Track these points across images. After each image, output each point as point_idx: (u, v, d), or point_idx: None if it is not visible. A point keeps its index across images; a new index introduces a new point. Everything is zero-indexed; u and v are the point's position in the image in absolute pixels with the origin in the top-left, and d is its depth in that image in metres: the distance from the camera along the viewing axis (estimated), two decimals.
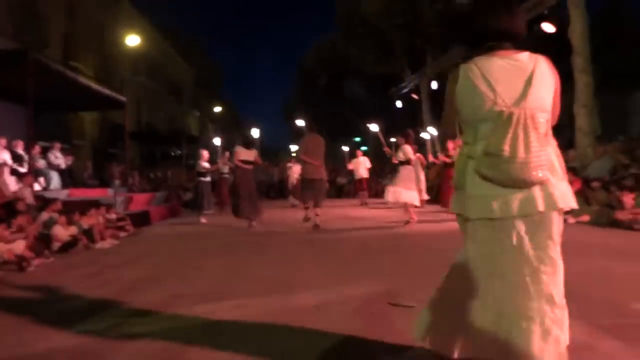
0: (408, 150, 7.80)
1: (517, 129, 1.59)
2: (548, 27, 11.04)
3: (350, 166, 13.86)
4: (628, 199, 6.69)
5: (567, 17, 10.14)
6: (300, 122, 9.60)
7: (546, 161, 1.63)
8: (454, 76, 1.80)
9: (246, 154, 8.03)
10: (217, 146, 9.77)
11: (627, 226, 6.33)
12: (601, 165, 8.78)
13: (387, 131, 10.42)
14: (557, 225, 1.73)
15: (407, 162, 7.78)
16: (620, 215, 6.54)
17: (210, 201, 10.16)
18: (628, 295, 3.11)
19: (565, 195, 1.70)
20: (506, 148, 1.59)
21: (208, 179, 10.05)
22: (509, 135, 1.59)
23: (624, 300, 3.02)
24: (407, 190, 7.57)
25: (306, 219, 7.82)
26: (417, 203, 7.88)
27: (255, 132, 9.40)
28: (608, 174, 8.28)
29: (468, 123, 1.80)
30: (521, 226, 1.70)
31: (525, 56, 1.75)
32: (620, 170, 8.09)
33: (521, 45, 1.81)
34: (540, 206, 1.66)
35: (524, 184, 1.63)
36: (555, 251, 1.74)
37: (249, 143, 8.17)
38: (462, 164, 1.83)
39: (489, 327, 1.74)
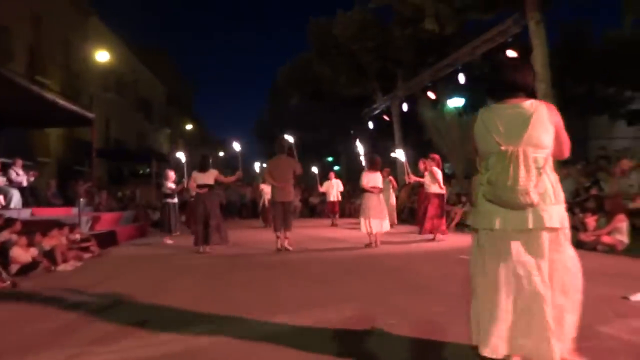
0: (377, 177, 7.78)
1: (510, 163, 2.04)
2: (512, 54, 11.49)
3: (322, 189, 13.83)
4: (590, 220, 6.93)
5: (530, 45, 10.60)
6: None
7: (535, 189, 2.04)
8: (473, 118, 2.32)
9: (202, 178, 7.74)
10: (182, 163, 9.27)
11: (590, 247, 6.54)
12: (564, 188, 9.05)
13: (358, 152, 10.47)
14: (547, 239, 2.12)
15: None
16: (584, 236, 6.75)
17: (176, 222, 9.93)
18: (593, 318, 3.17)
19: (552, 216, 2.10)
20: (500, 178, 2.06)
21: (175, 200, 9.84)
22: (503, 168, 2.05)
23: (589, 322, 3.07)
24: (379, 220, 7.59)
25: (278, 250, 7.46)
26: (387, 229, 7.91)
27: (236, 147, 8.94)
28: (571, 196, 8.58)
29: (481, 156, 2.28)
30: (517, 238, 2.12)
31: (528, 104, 2.18)
32: (582, 193, 8.40)
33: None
34: (530, 224, 2.09)
35: (515, 206, 2.07)
36: (544, 260, 2.11)
37: (204, 165, 7.84)
38: (477, 188, 2.27)
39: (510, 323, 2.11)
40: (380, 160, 8.09)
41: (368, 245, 7.65)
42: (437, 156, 8.78)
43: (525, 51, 11.31)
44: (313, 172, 14.48)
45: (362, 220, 7.70)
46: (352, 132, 23.17)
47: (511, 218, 2.11)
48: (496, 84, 2.32)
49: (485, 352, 2.10)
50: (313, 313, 3.48)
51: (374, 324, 3.09)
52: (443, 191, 8.55)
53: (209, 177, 7.77)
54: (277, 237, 7.60)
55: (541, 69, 10.15)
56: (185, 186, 9.40)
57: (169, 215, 9.67)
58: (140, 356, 2.68)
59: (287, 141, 8.02)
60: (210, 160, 8.05)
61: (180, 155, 9.45)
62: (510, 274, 2.10)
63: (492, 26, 11.94)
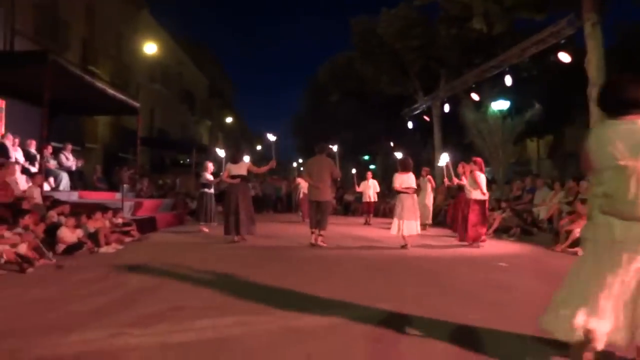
0: (410, 178, 7.71)
1: (630, 178, 2.09)
2: (564, 57, 11.01)
3: (359, 189, 13.80)
4: None
5: (584, 47, 10.12)
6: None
7: None
8: (588, 134, 2.34)
9: (235, 169, 7.98)
10: (221, 158, 9.71)
11: None
12: None
13: (400, 150, 10.36)
14: None
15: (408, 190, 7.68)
16: None
17: (212, 213, 10.04)
18: None
19: None
20: (619, 192, 2.13)
21: (212, 190, 10.00)
22: (622, 182, 2.11)
23: None
24: (413, 222, 7.55)
25: (312, 245, 7.55)
26: (419, 232, 7.80)
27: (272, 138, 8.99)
28: None
29: (596, 170, 2.30)
30: (637, 249, 2.14)
31: None
32: None
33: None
34: None
35: (636, 219, 2.11)
36: None
37: (237, 157, 8.28)
38: (591, 201, 2.34)
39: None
40: (412, 162, 8.02)
41: (404, 247, 7.49)
42: (480, 159, 8.32)
43: (578, 54, 10.82)
44: (350, 172, 14.47)
45: (395, 220, 7.64)
46: (390, 132, 22.95)
47: (631, 229, 2.15)
48: (614, 100, 2.32)
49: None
50: (346, 310, 3.45)
51: (409, 327, 3.03)
52: (485, 197, 8.02)
53: (242, 168, 8.01)
54: (312, 232, 7.71)
55: (596, 73, 9.68)
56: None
57: (206, 205, 9.85)
58: (175, 341, 2.73)
59: (328, 146, 8.21)
60: (244, 152, 8.32)
61: (220, 151, 9.82)
62: (627, 283, 2.16)
63: (543, 27, 11.46)
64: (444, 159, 8.80)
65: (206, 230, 9.54)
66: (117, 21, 19.10)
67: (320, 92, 27.75)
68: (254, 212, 8.18)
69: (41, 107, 7.70)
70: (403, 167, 7.87)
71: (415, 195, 7.80)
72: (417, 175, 9.66)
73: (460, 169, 9.02)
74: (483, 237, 8.17)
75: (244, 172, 8.02)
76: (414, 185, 7.81)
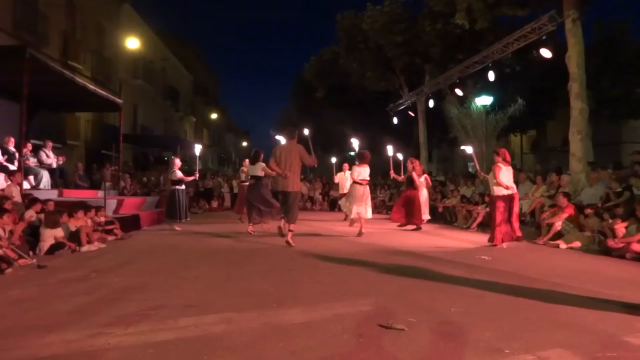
0: (366, 171, 8.70)
1: None
2: (546, 53, 11.15)
3: (336, 179, 13.67)
4: (620, 227, 6.69)
5: (565, 44, 10.25)
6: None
7: None
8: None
9: (252, 169, 8.93)
10: (197, 154, 9.86)
11: (619, 255, 6.32)
12: (594, 192, 8.79)
13: (384, 147, 10.46)
14: None
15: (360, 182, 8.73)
16: (612, 243, 6.53)
17: (183, 210, 9.79)
18: (621, 327, 3.06)
19: None
20: None
21: (182, 187, 9.79)
22: None
23: (614, 332, 2.97)
24: (363, 206, 8.66)
25: (281, 234, 7.45)
26: (370, 216, 8.90)
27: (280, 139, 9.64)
28: (600, 201, 8.30)
29: None
30: None
31: None
32: (613, 198, 8.11)
33: None
34: None
35: None
36: None
37: (255, 159, 8.90)
38: None
39: None
40: (369, 155, 8.91)
41: (359, 234, 8.40)
42: (503, 150, 7.46)
43: (559, 50, 10.96)
44: (330, 164, 14.40)
45: (347, 206, 9.10)
46: (374, 127, 23.02)
47: None
48: None
49: None
50: (328, 306, 3.46)
51: (392, 321, 3.05)
52: (510, 192, 7.15)
53: (258, 169, 8.76)
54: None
55: (576, 69, 9.80)
56: (197, 177, 10.38)
57: (178, 202, 9.62)
58: (156, 340, 2.71)
59: (297, 129, 7.71)
60: (262, 154, 9.07)
61: (197, 148, 9.82)
62: None
63: (526, 23, 11.59)
64: (469, 150, 8.59)
65: (178, 229, 9.40)
66: (98, 15, 18.76)
67: (305, 89, 27.65)
68: (274, 203, 8.56)
69: (20, 103, 7.54)
70: (361, 159, 8.81)
71: (367, 186, 8.84)
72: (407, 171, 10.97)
73: (409, 166, 9.93)
74: (520, 236, 7.31)
75: (260, 173, 8.79)
76: (368, 178, 8.80)
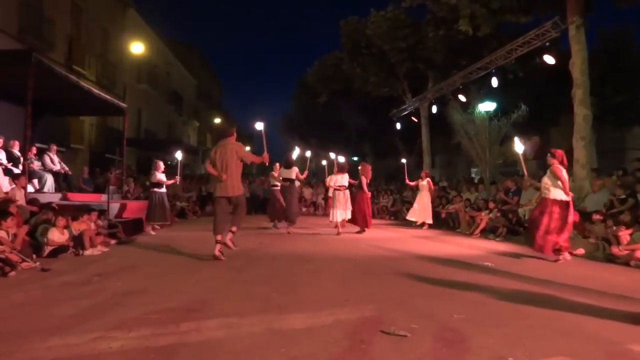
0: (344, 178, 9.88)
1: None
2: (549, 59, 11.16)
3: (327, 182, 13.56)
4: (624, 234, 6.65)
5: (569, 50, 10.26)
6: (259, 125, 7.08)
7: None
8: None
9: (285, 173, 9.89)
10: (178, 161, 9.87)
11: (623, 262, 6.28)
12: (598, 199, 8.76)
13: (386, 153, 10.62)
14: None
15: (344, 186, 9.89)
16: (616, 250, 6.49)
17: (162, 213, 9.66)
18: (625, 335, 3.04)
19: None
20: None
21: (162, 190, 9.71)
22: None
23: (621, 340, 2.95)
24: (342, 211, 9.85)
25: (214, 257, 6.10)
26: (349, 217, 9.99)
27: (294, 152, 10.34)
28: (604, 207, 8.26)
29: None
30: None
31: None
32: (617, 205, 8.07)
33: None
34: None
35: None
36: None
37: (289, 163, 9.91)
38: None
39: None
40: (347, 165, 10.24)
41: (337, 234, 9.46)
42: (560, 152, 6.55)
43: (563, 56, 10.97)
44: (322, 165, 14.31)
45: (331, 211, 10.19)
46: (378, 132, 23.03)
47: None
48: None
49: None
50: (330, 312, 3.45)
51: (394, 327, 3.04)
52: (569, 198, 6.37)
53: (292, 172, 9.79)
54: (216, 242, 6.15)
55: (580, 76, 9.81)
56: (177, 182, 10.46)
57: (155, 205, 9.55)
58: (158, 344, 2.71)
59: (234, 125, 6.92)
60: (294, 159, 10.05)
61: (178, 155, 10.06)
62: None
63: (529, 30, 11.61)
64: (519, 148, 7.24)
65: (153, 233, 9.34)
66: (103, 20, 18.90)
67: (308, 93, 27.73)
68: (299, 209, 9.43)
69: (25, 107, 7.58)
70: (339, 168, 10.08)
71: (347, 191, 9.94)
72: (416, 178, 12.34)
73: (360, 169, 10.51)
74: (563, 248, 6.37)
75: (293, 176, 9.76)
76: (346, 184, 9.94)
